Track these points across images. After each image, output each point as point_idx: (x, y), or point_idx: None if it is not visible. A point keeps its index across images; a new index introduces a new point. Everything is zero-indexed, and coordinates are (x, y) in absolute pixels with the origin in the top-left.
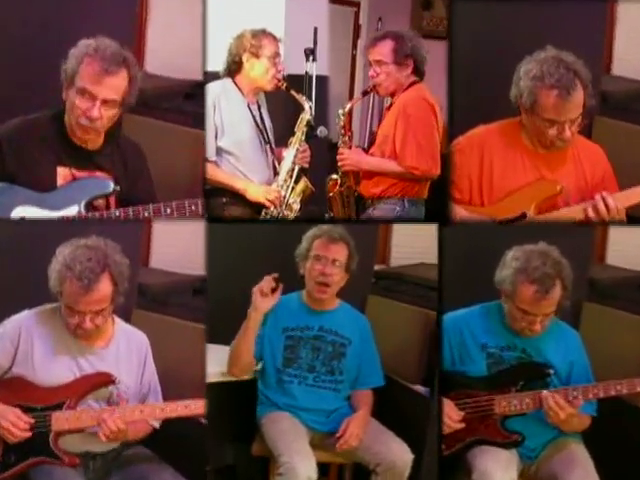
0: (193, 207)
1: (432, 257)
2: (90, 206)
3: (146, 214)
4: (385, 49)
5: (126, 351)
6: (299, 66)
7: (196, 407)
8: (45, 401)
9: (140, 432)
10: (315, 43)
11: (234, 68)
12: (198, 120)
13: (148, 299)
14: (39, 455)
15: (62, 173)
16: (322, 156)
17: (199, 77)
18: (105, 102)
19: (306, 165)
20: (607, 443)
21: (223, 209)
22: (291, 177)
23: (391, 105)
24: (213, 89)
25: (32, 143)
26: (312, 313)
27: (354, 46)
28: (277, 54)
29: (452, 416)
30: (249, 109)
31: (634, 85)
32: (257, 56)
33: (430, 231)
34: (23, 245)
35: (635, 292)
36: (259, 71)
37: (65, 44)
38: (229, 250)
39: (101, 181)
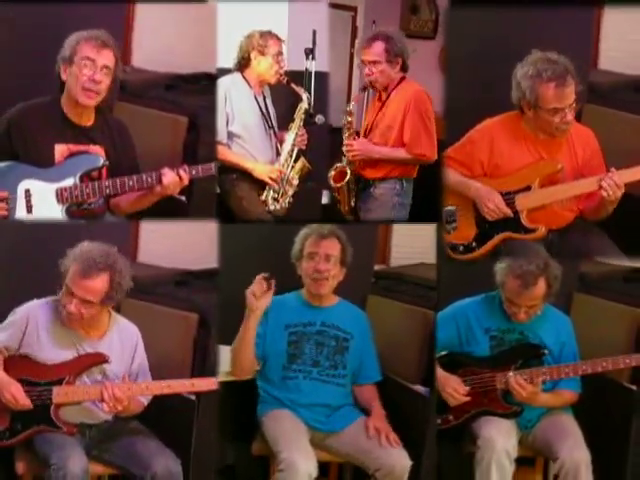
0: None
1: (432, 257)
2: (85, 177)
3: (131, 183)
4: (378, 50)
5: (119, 343)
6: (301, 64)
7: (180, 386)
8: (47, 377)
9: (135, 409)
10: (314, 44)
11: (243, 63)
12: (178, 107)
13: (136, 290)
14: (42, 424)
15: (59, 149)
16: (323, 139)
17: (179, 70)
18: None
19: (304, 147)
20: (594, 415)
21: (233, 184)
22: (291, 157)
23: (380, 98)
24: (224, 82)
25: (34, 125)
26: (313, 309)
27: (352, 45)
28: (280, 53)
29: (459, 390)
30: (256, 99)
31: (617, 77)
32: (263, 54)
33: (430, 231)
34: (32, 244)
35: (620, 284)
36: (264, 67)
37: (62, 41)
38: (234, 250)
39: (93, 157)
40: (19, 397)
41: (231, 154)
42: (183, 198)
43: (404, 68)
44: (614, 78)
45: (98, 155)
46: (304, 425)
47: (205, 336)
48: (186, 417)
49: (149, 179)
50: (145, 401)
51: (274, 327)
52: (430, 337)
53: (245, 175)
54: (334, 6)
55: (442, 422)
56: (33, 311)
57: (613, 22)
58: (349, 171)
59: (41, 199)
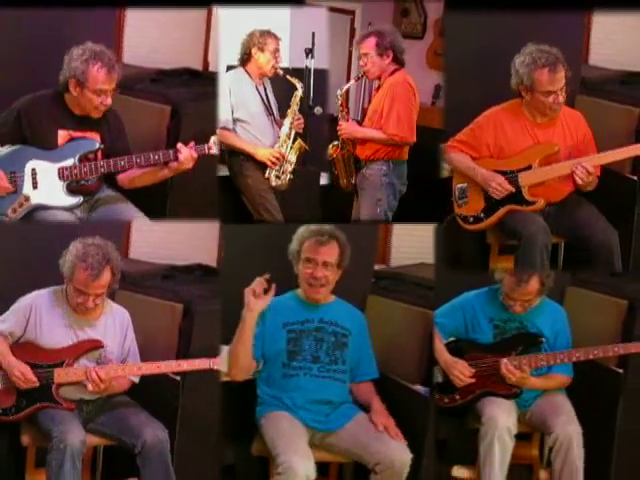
0: (157, 157)
1: (432, 257)
2: (83, 159)
3: (122, 163)
4: (370, 44)
5: (112, 324)
6: (303, 62)
7: (167, 367)
8: (50, 360)
9: (124, 386)
10: (313, 44)
11: (245, 58)
12: (162, 98)
13: (128, 282)
14: (44, 401)
15: (62, 134)
16: (323, 127)
17: (162, 66)
18: None
19: (300, 130)
20: (586, 395)
21: (240, 165)
22: (289, 138)
23: (379, 87)
24: (229, 76)
25: (40, 113)
26: (310, 307)
27: (350, 44)
28: (277, 49)
29: (465, 373)
30: (257, 90)
31: (605, 72)
32: (262, 50)
33: (430, 231)
34: (33, 242)
35: (606, 278)
36: (263, 61)
37: (61, 42)
38: (235, 250)
39: (90, 141)
40: (28, 376)
41: (236, 139)
42: None
43: (397, 61)
44: (602, 73)
45: (94, 139)
46: (303, 426)
47: (189, 323)
48: (171, 395)
49: (138, 159)
50: (136, 379)
51: (272, 327)
52: (430, 337)
53: (250, 156)
54: (334, 10)
55: (449, 401)
56: (36, 300)
57: (601, 25)
58: (340, 145)
59: (45, 177)
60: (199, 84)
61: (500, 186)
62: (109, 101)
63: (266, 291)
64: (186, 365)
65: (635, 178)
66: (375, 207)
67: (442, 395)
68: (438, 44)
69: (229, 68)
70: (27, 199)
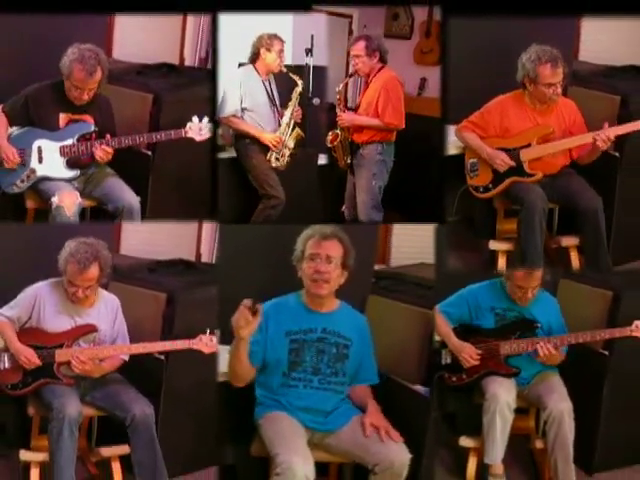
0: (141, 139)
1: (432, 257)
2: (81, 139)
3: (112, 143)
4: (360, 47)
5: (104, 310)
6: (303, 60)
7: (151, 347)
8: (51, 342)
9: (115, 364)
10: (312, 45)
11: (254, 57)
12: (145, 87)
13: (119, 275)
14: (47, 378)
15: (63, 117)
16: (321, 115)
17: (147, 61)
18: None
19: (299, 120)
20: (576, 375)
21: (246, 147)
22: (289, 127)
23: (367, 82)
24: (240, 71)
25: (45, 99)
26: (314, 314)
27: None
28: (282, 50)
29: (472, 355)
30: (263, 84)
31: (592, 67)
32: (269, 50)
33: (430, 231)
34: (40, 239)
35: (594, 273)
36: (270, 60)
37: (61, 42)
38: (234, 249)
39: (87, 124)
40: (32, 360)
41: (245, 125)
42: (149, 153)
43: (383, 60)
44: (590, 67)
45: (90, 122)
46: (302, 427)
47: (171, 311)
48: (157, 373)
49: (126, 140)
50: (126, 358)
51: (274, 334)
52: (430, 337)
53: (254, 140)
54: (334, 14)
55: (457, 380)
56: (40, 290)
57: (589, 27)
58: (340, 133)
59: (49, 153)
60: (176, 76)
61: (503, 162)
62: (85, 97)
63: (254, 313)
64: (169, 346)
65: (617, 154)
66: (371, 179)
67: (450, 374)
68: (423, 43)
69: (241, 65)
70: (33, 172)
